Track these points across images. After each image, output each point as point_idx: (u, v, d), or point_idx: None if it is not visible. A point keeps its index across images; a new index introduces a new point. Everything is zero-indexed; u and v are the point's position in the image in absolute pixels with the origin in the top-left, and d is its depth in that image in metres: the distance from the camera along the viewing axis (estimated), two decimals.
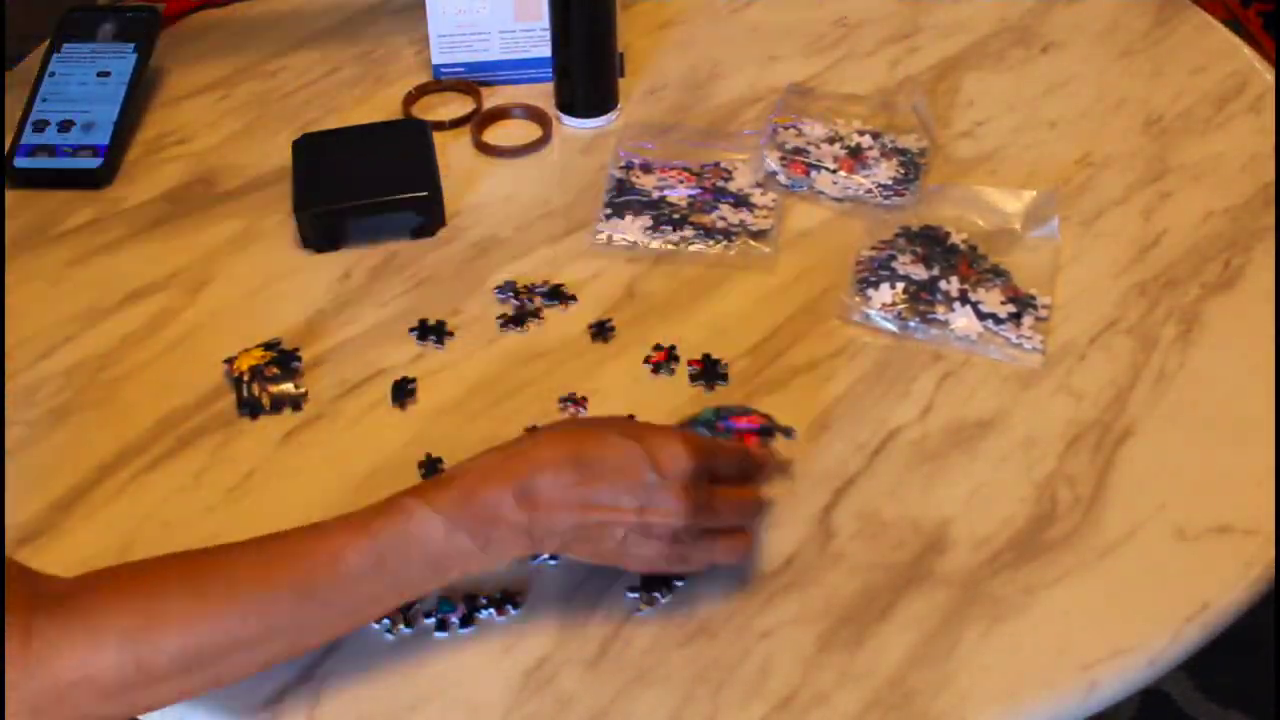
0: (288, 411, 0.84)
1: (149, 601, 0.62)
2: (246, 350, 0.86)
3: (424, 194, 0.97)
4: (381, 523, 0.64)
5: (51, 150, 1.04)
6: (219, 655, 0.62)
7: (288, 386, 0.85)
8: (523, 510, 0.65)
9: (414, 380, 0.86)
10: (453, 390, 0.86)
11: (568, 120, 1.10)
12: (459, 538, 0.65)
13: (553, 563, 0.74)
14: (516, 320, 0.90)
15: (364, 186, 0.97)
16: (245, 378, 0.85)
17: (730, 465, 0.71)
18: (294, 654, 0.67)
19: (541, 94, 1.12)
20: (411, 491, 0.66)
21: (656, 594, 0.73)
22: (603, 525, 0.67)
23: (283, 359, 0.87)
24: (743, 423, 0.75)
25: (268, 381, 0.85)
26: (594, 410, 0.84)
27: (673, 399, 0.85)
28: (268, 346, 0.87)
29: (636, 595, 0.73)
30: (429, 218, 0.98)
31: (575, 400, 0.84)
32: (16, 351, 0.89)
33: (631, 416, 0.80)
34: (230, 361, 0.86)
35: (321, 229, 0.96)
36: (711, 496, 0.68)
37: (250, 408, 0.84)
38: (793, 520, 0.77)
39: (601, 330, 0.89)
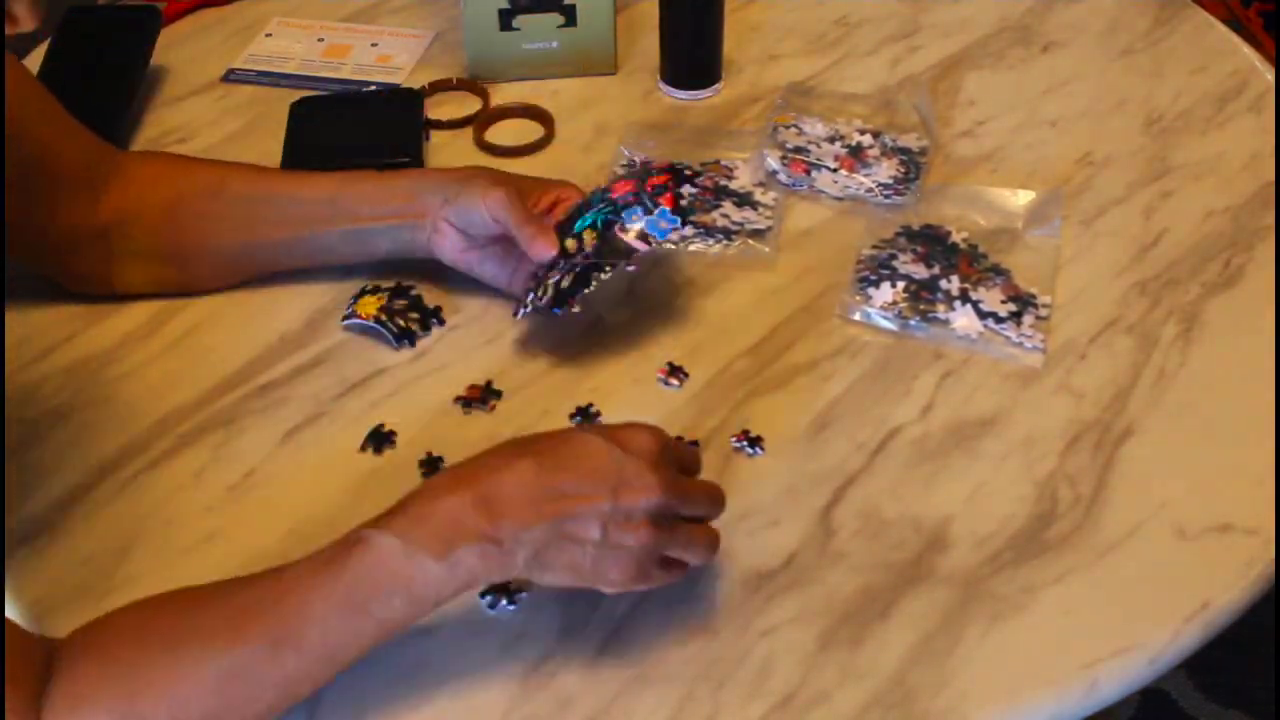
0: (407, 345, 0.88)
1: (132, 674, 0.61)
2: (359, 299, 0.90)
3: (405, 160, 0.98)
4: (342, 558, 0.62)
5: None
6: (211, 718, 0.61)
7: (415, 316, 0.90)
8: (484, 518, 0.62)
9: (394, 433, 0.85)
10: (453, 389, 0.86)
11: (672, 92, 1.11)
12: (421, 558, 0.61)
13: (511, 608, 0.72)
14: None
15: (348, 150, 0.98)
16: (381, 318, 0.88)
17: (691, 462, 0.70)
18: (289, 703, 0.63)
19: (548, 93, 1.12)
20: (369, 522, 0.64)
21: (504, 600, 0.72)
22: (575, 526, 0.63)
23: (399, 293, 0.91)
24: (623, 190, 0.85)
25: (396, 314, 0.89)
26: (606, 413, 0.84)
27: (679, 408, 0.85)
28: (375, 291, 0.91)
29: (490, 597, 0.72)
30: None
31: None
32: (16, 351, 0.89)
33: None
34: (351, 316, 0.89)
35: None
36: (680, 478, 0.67)
37: (407, 338, 0.89)
38: (793, 519, 0.77)
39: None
